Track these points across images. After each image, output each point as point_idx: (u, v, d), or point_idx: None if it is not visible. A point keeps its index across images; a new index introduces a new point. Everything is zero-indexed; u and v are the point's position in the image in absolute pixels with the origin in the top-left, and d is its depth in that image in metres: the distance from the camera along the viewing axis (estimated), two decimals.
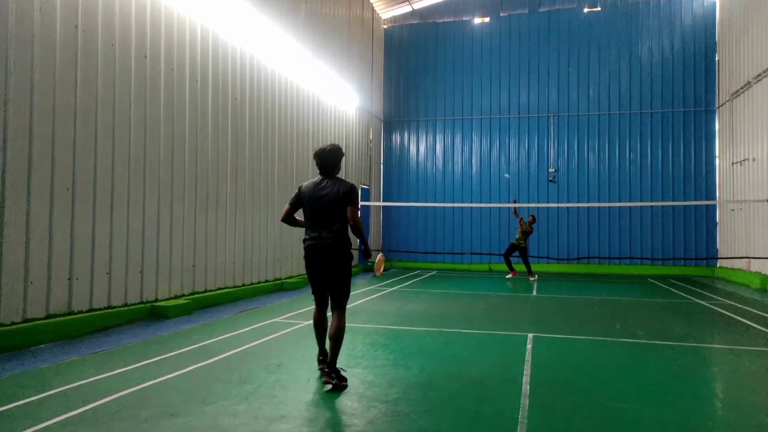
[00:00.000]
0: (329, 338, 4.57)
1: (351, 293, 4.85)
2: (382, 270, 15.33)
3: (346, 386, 4.46)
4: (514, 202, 16.13)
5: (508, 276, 14.88)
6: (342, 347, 4.65)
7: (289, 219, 5.00)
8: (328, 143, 4.92)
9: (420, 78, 19.50)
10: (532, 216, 14.81)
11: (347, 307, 4.79)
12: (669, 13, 17.58)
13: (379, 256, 15.51)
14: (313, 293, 4.93)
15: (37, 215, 6.06)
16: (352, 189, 4.70)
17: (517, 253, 14.64)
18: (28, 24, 5.98)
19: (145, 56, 7.76)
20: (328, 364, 4.51)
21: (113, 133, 7.15)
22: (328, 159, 4.78)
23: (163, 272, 8.15)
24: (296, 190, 4.94)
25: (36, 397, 4.10)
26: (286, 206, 4.98)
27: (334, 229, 4.61)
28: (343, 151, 4.95)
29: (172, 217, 8.34)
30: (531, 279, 14.41)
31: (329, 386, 4.40)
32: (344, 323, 4.61)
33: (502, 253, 15.56)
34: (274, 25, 11.24)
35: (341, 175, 4.99)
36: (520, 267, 15.19)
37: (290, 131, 12.25)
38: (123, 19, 7.32)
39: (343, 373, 4.55)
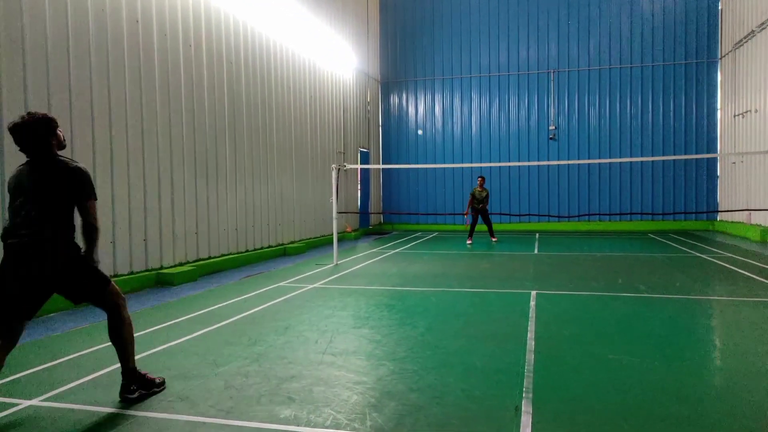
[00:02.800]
0: (113, 342, 3.47)
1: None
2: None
3: (161, 388, 3.56)
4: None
5: (468, 242, 13.58)
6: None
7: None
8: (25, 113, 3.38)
9: (417, 36, 19.13)
10: (481, 177, 13.73)
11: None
12: None
13: None
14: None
15: None
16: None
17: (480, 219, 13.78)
18: None
19: (137, 21, 7.59)
20: (123, 373, 3.44)
21: (108, 100, 7.05)
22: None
23: (166, 240, 8.18)
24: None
25: (49, 364, 4.18)
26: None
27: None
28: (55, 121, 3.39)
29: (172, 185, 8.32)
30: (493, 240, 13.75)
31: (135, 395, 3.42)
32: (126, 319, 3.50)
33: (502, 212, 15.58)
34: None
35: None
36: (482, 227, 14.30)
37: (287, 98, 12.09)
38: None
39: (152, 376, 3.55)
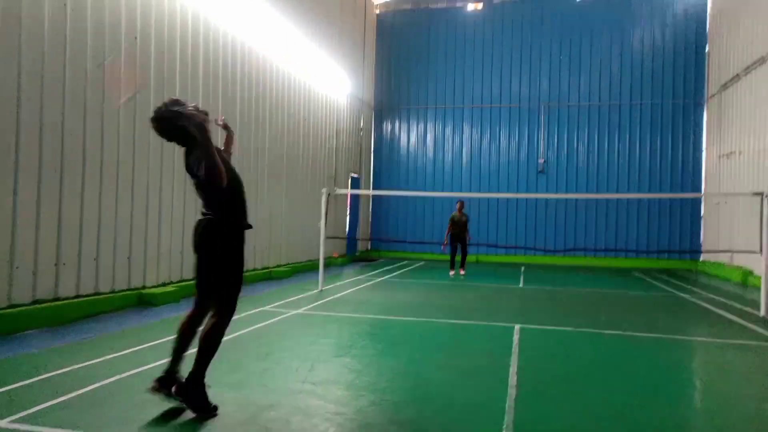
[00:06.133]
0: (200, 340, 3.62)
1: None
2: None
3: (214, 414, 3.47)
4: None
5: (451, 273, 13.35)
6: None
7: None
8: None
9: (412, 65, 19.41)
10: (460, 202, 13.32)
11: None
12: (661, 2, 17.59)
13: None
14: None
15: (25, 198, 5.98)
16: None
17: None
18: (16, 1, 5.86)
19: (135, 38, 7.64)
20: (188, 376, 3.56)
21: (102, 115, 7.04)
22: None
23: (151, 259, 8.09)
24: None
25: (24, 383, 4.08)
26: None
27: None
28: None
29: (160, 203, 8.27)
30: (462, 273, 13.28)
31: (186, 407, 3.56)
32: (223, 328, 3.67)
33: (488, 244, 15.59)
34: (267, 6, 11.11)
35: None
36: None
37: (281, 119, 12.16)
38: (111, 1, 7.20)
39: (207, 389, 3.52)
